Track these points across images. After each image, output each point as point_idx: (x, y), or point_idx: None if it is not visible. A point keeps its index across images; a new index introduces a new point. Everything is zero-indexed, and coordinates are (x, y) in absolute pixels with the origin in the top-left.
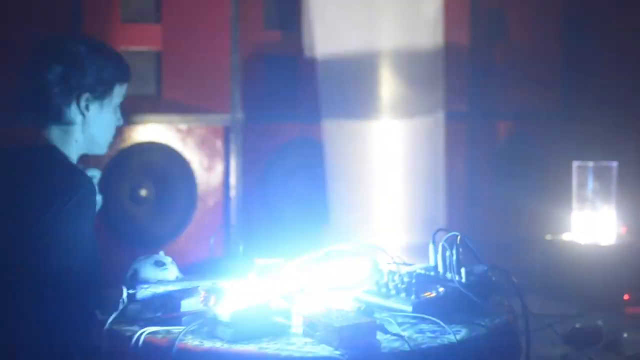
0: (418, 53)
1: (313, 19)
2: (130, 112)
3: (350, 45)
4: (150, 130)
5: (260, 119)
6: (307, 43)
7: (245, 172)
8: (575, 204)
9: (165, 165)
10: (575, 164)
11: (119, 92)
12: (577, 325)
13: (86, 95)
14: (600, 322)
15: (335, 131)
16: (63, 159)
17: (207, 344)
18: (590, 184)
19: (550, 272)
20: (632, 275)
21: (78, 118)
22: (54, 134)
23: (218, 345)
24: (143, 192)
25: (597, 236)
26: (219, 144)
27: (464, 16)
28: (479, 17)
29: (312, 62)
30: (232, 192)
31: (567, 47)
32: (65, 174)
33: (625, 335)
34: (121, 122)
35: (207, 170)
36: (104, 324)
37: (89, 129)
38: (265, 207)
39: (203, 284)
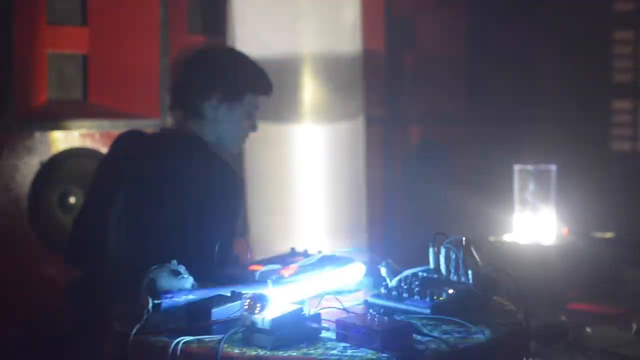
0: (338, 58)
1: (235, 23)
2: (57, 117)
3: (272, 49)
4: (76, 136)
5: None
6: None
7: None
8: (516, 206)
9: (93, 171)
10: (516, 167)
11: (251, 101)
12: (544, 322)
13: (217, 95)
14: (564, 318)
15: (257, 135)
16: (204, 145)
17: (250, 352)
18: (531, 186)
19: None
20: (573, 273)
21: (210, 114)
22: (194, 125)
23: (261, 352)
24: (72, 200)
25: (538, 237)
26: None
27: (380, 23)
28: (392, 26)
29: None
30: None
31: (473, 53)
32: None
33: (588, 330)
34: (255, 129)
35: None
36: (128, 335)
37: (219, 126)
38: None
39: (228, 292)
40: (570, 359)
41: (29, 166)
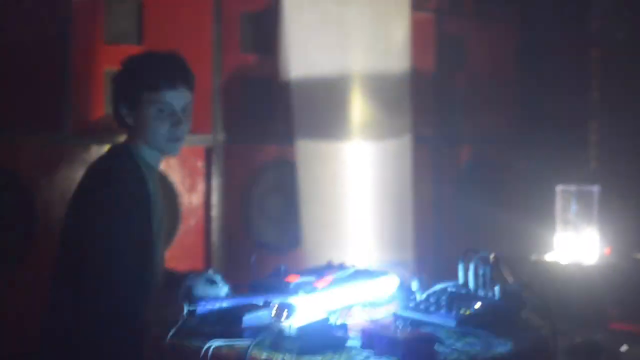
0: (387, 77)
1: (287, 43)
2: (114, 131)
3: (322, 68)
4: None
5: (240, 141)
6: (283, 66)
7: (225, 192)
8: (558, 226)
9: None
10: (558, 187)
11: (152, 99)
12: (578, 340)
13: (122, 102)
14: (599, 337)
15: (309, 152)
16: (118, 154)
17: (276, 357)
18: (574, 207)
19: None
20: (615, 292)
21: (128, 121)
22: (128, 135)
23: (287, 358)
24: None
25: (579, 256)
26: (200, 164)
27: (430, 42)
28: (442, 45)
29: (287, 85)
30: (214, 212)
31: (523, 74)
32: (104, 171)
33: (623, 348)
34: (178, 125)
35: (188, 190)
36: (164, 338)
37: (141, 132)
38: (245, 227)
39: (260, 300)
40: None
41: None
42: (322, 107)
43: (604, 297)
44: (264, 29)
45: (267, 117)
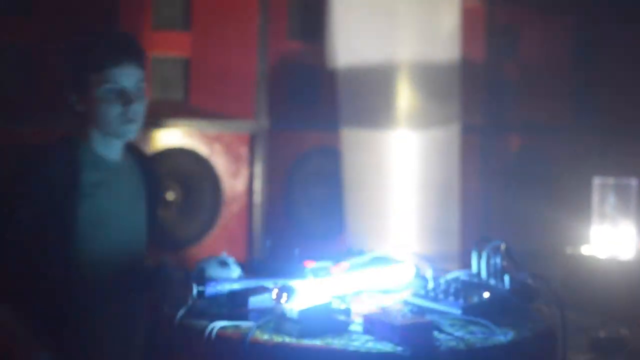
0: (435, 66)
1: (335, 31)
2: (157, 116)
3: (369, 56)
4: (178, 135)
5: (284, 127)
6: (329, 54)
7: (269, 178)
8: (595, 219)
9: (191, 169)
10: (596, 180)
11: (95, 80)
12: (602, 334)
13: (68, 87)
14: (624, 331)
15: (353, 140)
16: (50, 145)
17: (277, 339)
18: (611, 199)
19: (570, 284)
20: None
21: (79, 110)
22: (81, 126)
23: (287, 340)
24: (170, 196)
25: (616, 250)
26: (244, 150)
27: (480, 31)
28: (493, 34)
29: (333, 72)
30: (257, 198)
31: (578, 63)
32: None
33: None
34: (128, 104)
35: (232, 176)
36: (175, 318)
37: (94, 119)
38: (287, 213)
39: (269, 283)
40: None
41: None
42: (368, 95)
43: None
44: (311, 16)
45: (311, 103)
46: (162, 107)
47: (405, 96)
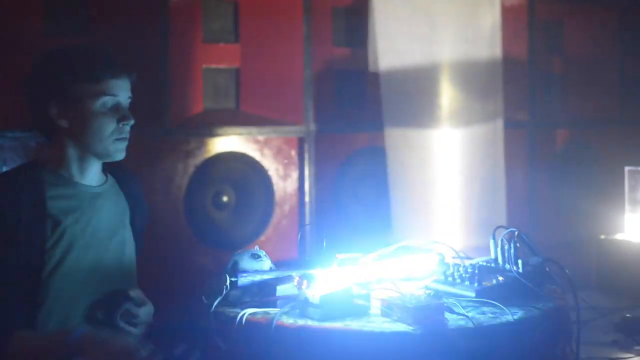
0: (477, 64)
1: (377, 36)
2: (211, 124)
3: (411, 58)
4: (231, 141)
5: (331, 130)
6: (372, 58)
7: (318, 179)
8: (627, 206)
9: (244, 173)
10: (627, 168)
11: (95, 91)
12: (628, 315)
13: (54, 101)
14: None
15: (398, 139)
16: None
17: (300, 322)
18: None
19: (605, 269)
20: None
21: (61, 126)
22: (54, 148)
23: (309, 323)
24: (225, 198)
25: None
26: (293, 153)
27: (522, 29)
28: (536, 30)
29: (377, 76)
30: (307, 198)
31: (626, 58)
32: None
33: None
34: (127, 120)
35: (282, 177)
36: (211, 307)
37: (80, 137)
38: (337, 211)
39: (295, 272)
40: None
41: (186, 169)
42: (411, 95)
43: None
44: (355, 22)
45: (358, 106)
46: (215, 115)
47: (447, 95)
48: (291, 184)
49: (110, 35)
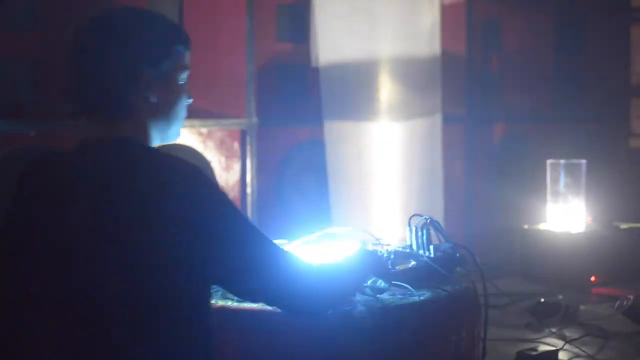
0: (416, 61)
1: (317, 31)
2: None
3: (351, 53)
4: None
5: (273, 123)
6: (314, 53)
7: (260, 171)
8: (549, 197)
9: None
10: (549, 161)
11: (183, 60)
12: (542, 300)
13: (147, 72)
14: (560, 297)
15: (337, 132)
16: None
17: (220, 303)
18: (562, 179)
19: (528, 258)
20: (598, 259)
21: (144, 103)
22: (123, 128)
23: (229, 303)
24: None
25: (568, 225)
26: (236, 145)
27: (460, 27)
28: (474, 28)
29: (317, 71)
30: (248, 189)
31: (561, 54)
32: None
33: (581, 307)
34: (190, 96)
35: (225, 169)
36: None
37: (160, 115)
38: (279, 202)
39: None
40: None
41: None
42: (350, 89)
43: (588, 263)
44: (299, 19)
45: (301, 100)
46: None
47: (386, 90)
48: (233, 176)
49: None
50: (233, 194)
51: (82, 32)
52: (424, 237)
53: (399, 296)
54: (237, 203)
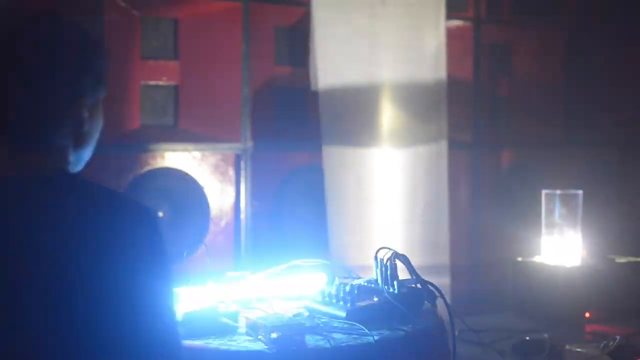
0: (420, 86)
1: (317, 55)
2: (148, 140)
3: (351, 78)
4: (167, 158)
5: (269, 148)
6: (313, 77)
7: (256, 195)
8: (544, 229)
9: (180, 189)
10: (544, 191)
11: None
12: (527, 338)
13: (89, 89)
14: (545, 335)
15: (335, 158)
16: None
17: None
18: (558, 210)
19: (521, 291)
20: (593, 294)
21: (85, 123)
22: (53, 155)
23: None
24: (160, 214)
25: (563, 258)
26: (230, 170)
27: (467, 51)
28: (482, 52)
29: (318, 95)
30: (242, 215)
31: (570, 77)
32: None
33: (567, 347)
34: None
35: (219, 194)
36: None
37: (89, 138)
38: (274, 228)
39: None
40: None
41: (120, 184)
42: (350, 114)
43: (583, 298)
44: (298, 42)
45: (298, 125)
46: (152, 131)
47: (388, 115)
48: (227, 201)
49: None
50: (227, 219)
51: (21, 37)
52: (389, 272)
53: (354, 335)
54: (231, 228)
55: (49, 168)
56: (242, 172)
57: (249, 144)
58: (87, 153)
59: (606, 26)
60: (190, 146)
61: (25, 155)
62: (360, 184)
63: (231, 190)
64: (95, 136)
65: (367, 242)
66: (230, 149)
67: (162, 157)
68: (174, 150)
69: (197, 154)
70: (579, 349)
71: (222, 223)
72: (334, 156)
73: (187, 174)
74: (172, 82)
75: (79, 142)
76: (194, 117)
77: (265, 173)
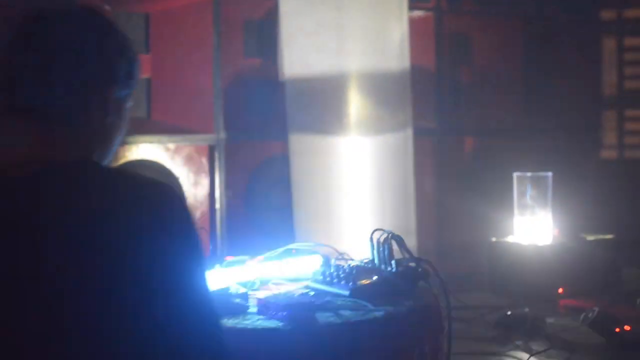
0: (386, 75)
1: (284, 46)
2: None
3: (318, 69)
4: (141, 150)
5: (242, 138)
6: (282, 68)
7: (229, 186)
8: (516, 210)
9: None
10: (515, 174)
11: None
12: (508, 312)
13: (119, 81)
14: (526, 310)
15: (302, 146)
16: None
17: None
18: (529, 192)
19: (496, 270)
20: (566, 271)
21: (112, 115)
22: (75, 143)
23: None
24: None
25: (535, 238)
26: (204, 161)
27: (429, 41)
28: (444, 41)
29: (287, 85)
30: (217, 205)
31: (530, 66)
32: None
33: (548, 319)
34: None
35: (193, 185)
36: None
37: (115, 131)
38: (249, 217)
39: None
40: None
41: None
42: (317, 104)
43: (556, 275)
44: (267, 35)
45: (270, 115)
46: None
47: (355, 104)
48: (202, 191)
49: None
50: (202, 209)
51: (62, 22)
52: (386, 252)
53: (360, 312)
54: (206, 218)
55: (74, 154)
56: (216, 163)
57: (222, 135)
58: (108, 147)
59: (563, 16)
60: (164, 138)
61: (49, 138)
62: (326, 171)
63: (205, 181)
64: (118, 132)
65: (334, 229)
66: (203, 140)
67: (136, 149)
68: (148, 142)
69: (171, 145)
70: (560, 321)
71: (197, 213)
72: (300, 144)
73: (161, 166)
74: (144, 76)
75: (101, 133)
76: (167, 109)
77: (239, 163)
